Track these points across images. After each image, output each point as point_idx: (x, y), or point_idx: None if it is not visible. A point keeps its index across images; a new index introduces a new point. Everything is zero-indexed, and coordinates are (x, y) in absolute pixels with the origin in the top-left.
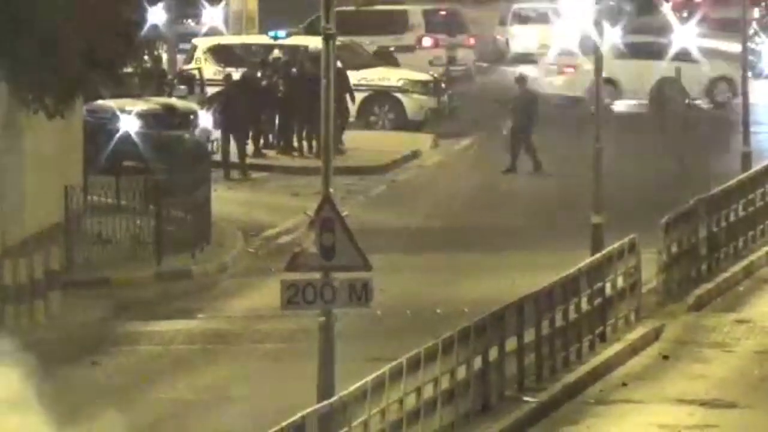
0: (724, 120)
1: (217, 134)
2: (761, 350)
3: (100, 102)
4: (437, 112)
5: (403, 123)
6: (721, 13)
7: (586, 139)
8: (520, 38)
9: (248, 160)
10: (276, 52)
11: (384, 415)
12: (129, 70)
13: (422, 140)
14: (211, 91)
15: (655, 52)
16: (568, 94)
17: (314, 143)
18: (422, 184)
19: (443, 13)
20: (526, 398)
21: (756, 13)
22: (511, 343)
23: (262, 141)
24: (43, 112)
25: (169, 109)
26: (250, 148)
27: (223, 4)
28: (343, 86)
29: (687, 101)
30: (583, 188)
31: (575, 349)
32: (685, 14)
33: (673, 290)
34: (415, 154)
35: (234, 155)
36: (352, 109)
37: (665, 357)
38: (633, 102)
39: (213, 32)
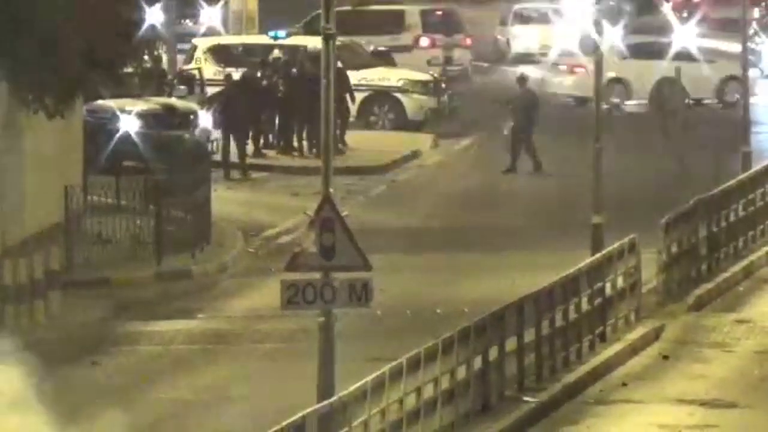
0: (732, 120)
1: (217, 134)
2: (761, 350)
3: (100, 102)
4: (437, 112)
5: (403, 123)
6: (721, 13)
7: (588, 140)
8: (521, 38)
9: (248, 160)
10: (276, 52)
11: (384, 415)
12: (129, 70)
13: (422, 140)
14: (211, 91)
15: (664, 52)
16: (578, 94)
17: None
18: (422, 184)
19: (440, 13)
20: (526, 398)
21: (756, 13)
22: (511, 343)
23: (262, 141)
24: (43, 112)
25: (169, 109)
26: (250, 148)
27: (221, 4)
28: (344, 86)
29: (687, 101)
30: (583, 188)
31: (575, 349)
32: (685, 14)
33: (673, 290)
34: (415, 154)
35: (234, 155)
36: (353, 109)
37: (665, 357)
38: (644, 101)
39: (211, 32)
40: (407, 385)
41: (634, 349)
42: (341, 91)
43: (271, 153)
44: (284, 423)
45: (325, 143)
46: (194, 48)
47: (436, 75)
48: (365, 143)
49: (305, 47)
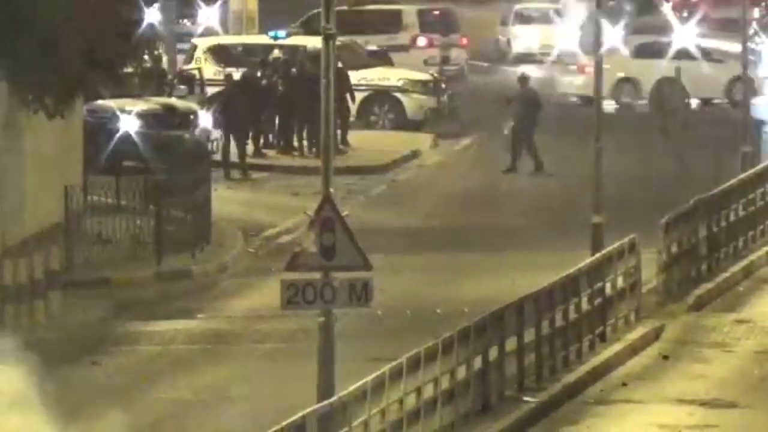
0: (740, 119)
1: (217, 134)
2: (761, 350)
3: (100, 102)
4: (437, 112)
5: (403, 123)
6: (721, 13)
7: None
8: (522, 38)
9: (248, 160)
10: (276, 52)
11: (384, 415)
12: (129, 70)
13: (422, 140)
14: (211, 91)
15: (664, 52)
16: (589, 94)
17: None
18: (422, 183)
19: (437, 12)
20: (526, 398)
21: (756, 13)
22: (511, 343)
23: (262, 141)
24: (43, 112)
25: (169, 109)
26: (250, 148)
27: (218, 3)
28: (344, 86)
29: (687, 101)
30: (584, 188)
31: (575, 349)
32: (685, 14)
33: (673, 290)
34: (415, 154)
35: (234, 155)
36: (353, 108)
37: (665, 357)
38: (644, 101)
39: (209, 32)
40: (407, 385)
41: (634, 349)
42: (341, 91)
43: (271, 153)
44: (284, 423)
45: (325, 143)
46: (194, 48)
47: (435, 75)
48: (365, 143)
49: (305, 47)
